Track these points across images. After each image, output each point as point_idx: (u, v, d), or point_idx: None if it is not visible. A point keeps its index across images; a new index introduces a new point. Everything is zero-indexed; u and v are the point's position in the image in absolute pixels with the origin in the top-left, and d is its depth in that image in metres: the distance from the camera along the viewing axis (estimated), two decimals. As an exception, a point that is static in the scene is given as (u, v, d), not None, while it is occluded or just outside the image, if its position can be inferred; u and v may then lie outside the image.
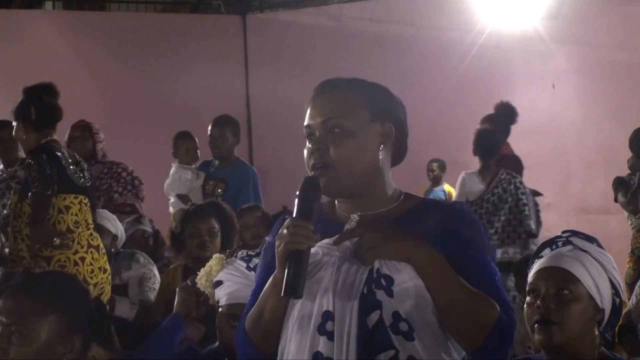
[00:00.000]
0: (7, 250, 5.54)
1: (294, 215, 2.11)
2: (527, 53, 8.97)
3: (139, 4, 10.57)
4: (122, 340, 5.10)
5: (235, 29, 10.34)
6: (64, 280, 2.71)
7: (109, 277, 5.28)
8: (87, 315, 2.57)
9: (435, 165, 9.48)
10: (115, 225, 5.77)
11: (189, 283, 3.42)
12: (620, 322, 3.69)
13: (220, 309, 3.07)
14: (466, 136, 7.11)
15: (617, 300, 2.58)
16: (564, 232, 2.66)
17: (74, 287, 2.66)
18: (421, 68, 9.31)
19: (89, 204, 5.32)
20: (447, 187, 9.41)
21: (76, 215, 5.23)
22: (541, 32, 8.80)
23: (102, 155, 6.80)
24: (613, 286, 2.56)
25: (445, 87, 8.95)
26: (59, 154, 5.20)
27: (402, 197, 2.25)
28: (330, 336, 2.09)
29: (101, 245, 5.31)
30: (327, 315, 2.10)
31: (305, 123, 2.22)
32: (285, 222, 2.12)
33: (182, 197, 6.67)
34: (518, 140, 8.79)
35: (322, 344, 2.09)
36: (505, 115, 7.09)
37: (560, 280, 2.51)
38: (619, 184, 6.60)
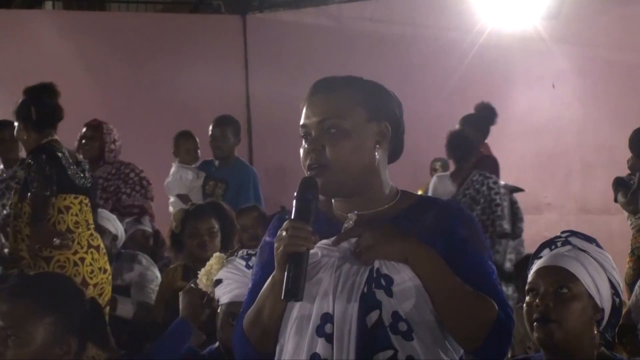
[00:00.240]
0: (6, 250, 5.54)
1: (293, 216, 2.11)
2: (527, 53, 8.97)
3: (139, 4, 10.57)
4: (122, 340, 5.12)
5: (235, 29, 10.34)
6: (59, 282, 2.70)
7: (110, 277, 5.28)
8: (82, 316, 2.57)
9: (438, 164, 9.49)
10: (115, 226, 5.77)
11: (192, 286, 3.41)
12: (620, 322, 3.69)
13: (220, 308, 3.08)
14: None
15: (617, 300, 2.59)
16: (562, 232, 2.66)
17: (69, 289, 2.65)
18: (421, 68, 9.31)
19: (89, 204, 5.32)
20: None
21: (76, 215, 5.22)
22: (541, 32, 8.80)
23: (114, 156, 6.75)
24: (612, 286, 2.56)
25: (445, 87, 8.95)
26: (59, 154, 5.19)
27: (399, 195, 2.25)
28: (328, 338, 2.09)
29: (102, 245, 5.31)
30: (326, 318, 2.10)
31: (302, 122, 2.22)
32: (284, 224, 2.11)
33: (182, 197, 6.68)
34: (518, 140, 8.81)
35: (320, 346, 2.09)
36: (484, 117, 7.06)
37: (559, 279, 2.51)
38: (619, 184, 6.60)
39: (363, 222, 2.17)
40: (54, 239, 5.10)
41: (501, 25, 8.96)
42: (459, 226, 2.18)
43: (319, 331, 2.10)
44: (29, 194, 5.13)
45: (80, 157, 5.71)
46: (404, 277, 2.10)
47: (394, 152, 2.28)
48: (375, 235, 2.11)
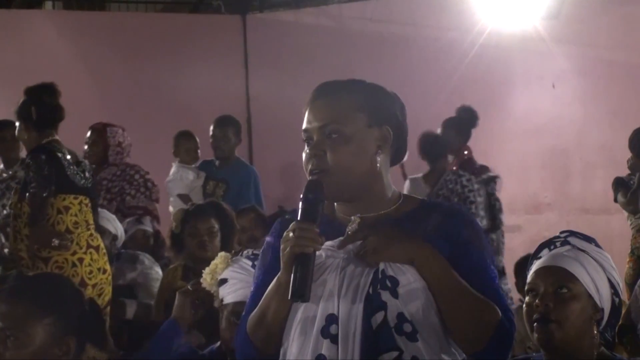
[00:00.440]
0: (6, 250, 5.54)
1: (299, 217, 2.11)
2: (527, 53, 8.96)
3: (139, 4, 10.56)
4: (123, 340, 5.13)
5: (235, 29, 10.33)
6: (58, 283, 2.70)
7: (109, 277, 5.27)
8: (81, 316, 2.58)
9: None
10: (115, 226, 5.77)
11: (189, 287, 3.41)
12: (620, 322, 3.69)
13: (224, 307, 3.07)
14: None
15: (617, 300, 2.59)
16: (561, 232, 2.66)
17: (68, 289, 2.66)
18: (421, 68, 9.30)
19: (89, 204, 5.31)
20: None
21: (76, 215, 5.21)
22: (541, 32, 8.79)
23: (120, 157, 6.73)
24: (612, 286, 2.57)
25: (445, 87, 8.93)
26: (59, 154, 5.19)
27: (402, 198, 2.26)
28: (333, 339, 2.09)
29: (101, 245, 5.30)
30: (331, 319, 2.10)
31: (304, 127, 2.22)
32: (291, 225, 2.12)
33: (182, 197, 6.68)
34: (518, 140, 8.80)
35: (326, 347, 2.09)
36: (466, 120, 7.05)
37: (558, 279, 2.51)
38: (619, 184, 6.60)
39: (367, 224, 2.17)
40: (53, 240, 5.09)
41: (501, 25, 8.95)
42: (462, 229, 2.19)
43: (324, 332, 2.10)
44: (27, 194, 5.13)
45: (85, 160, 5.71)
46: (409, 278, 2.11)
47: (397, 155, 2.29)
48: (380, 238, 2.12)
